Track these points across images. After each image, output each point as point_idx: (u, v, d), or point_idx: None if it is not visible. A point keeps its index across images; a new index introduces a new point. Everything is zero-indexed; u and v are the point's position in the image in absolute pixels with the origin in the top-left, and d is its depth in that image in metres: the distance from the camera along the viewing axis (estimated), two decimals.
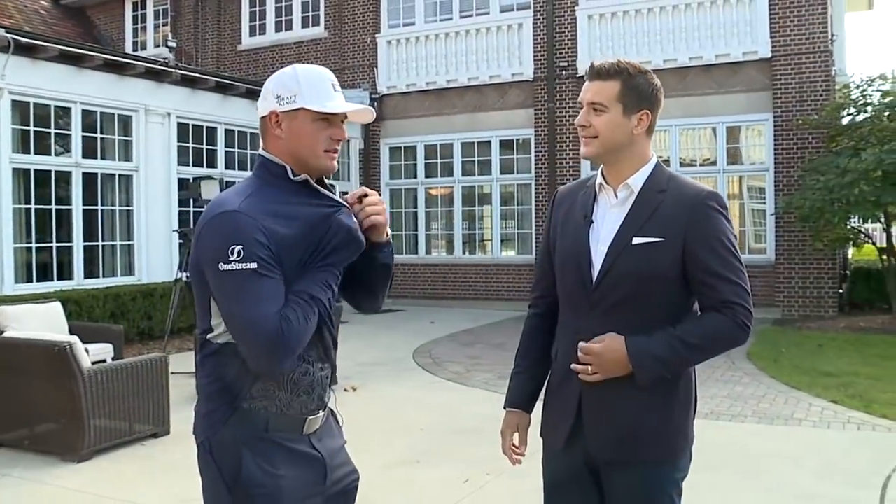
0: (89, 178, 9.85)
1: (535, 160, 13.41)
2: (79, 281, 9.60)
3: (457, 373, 7.77)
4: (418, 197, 14.58)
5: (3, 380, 5.11)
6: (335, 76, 1.92)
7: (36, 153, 9.28)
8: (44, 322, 6.16)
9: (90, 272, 9.87)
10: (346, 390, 6.72)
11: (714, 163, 12.36)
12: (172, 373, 5.77)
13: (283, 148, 1.84)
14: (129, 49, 17.00)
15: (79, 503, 4.20)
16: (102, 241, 10.12)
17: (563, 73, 13.16)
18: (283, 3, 15.72)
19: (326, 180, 1.92)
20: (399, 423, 5.83)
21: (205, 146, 11.44)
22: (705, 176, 12.06)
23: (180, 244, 10.15)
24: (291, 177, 1.83)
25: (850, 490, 4.24)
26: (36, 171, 9.26)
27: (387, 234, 1.96)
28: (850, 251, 14.35)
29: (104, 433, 4.95)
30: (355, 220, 1.87)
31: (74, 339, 4.94)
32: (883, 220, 10.83)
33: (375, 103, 14.12)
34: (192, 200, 9.98)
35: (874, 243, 11.87)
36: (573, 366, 1.99)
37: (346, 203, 1.88)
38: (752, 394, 6.58)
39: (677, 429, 1.99)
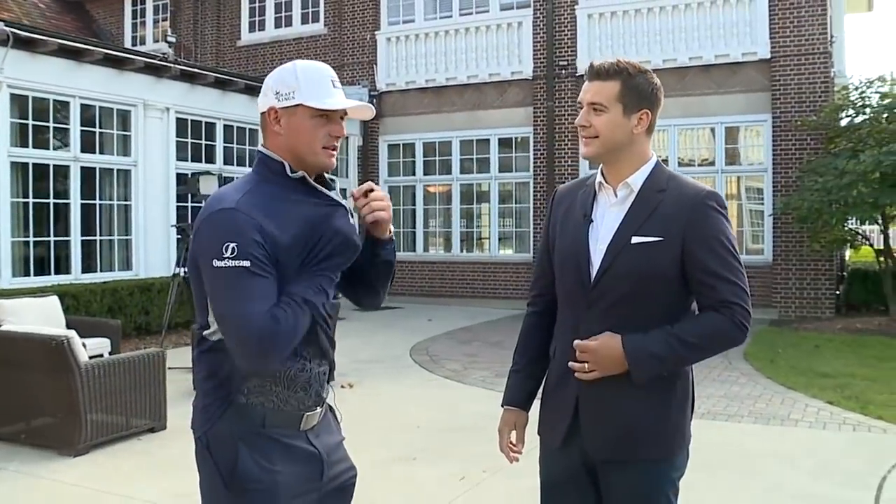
0: (87, 173, 9.83)
1: (534, 159, 13.41)
2: (76, 275, 9.59)
3: (454, 370, 7.77)
4: (416, 194, 14.57)
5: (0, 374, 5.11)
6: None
7: (34, 147, 9.27)
8: (41, 316, 6.16)
9: (88, 266, 9.86)
10: (342, 387, 6.71)
11: (712, 163, 12.37)
12: (169, 368, 5.77)
13: (281, 144, 1.83)
14: (128, 44, 16.99)
15: (75, 497, 4.21)
16: (100, 235, 10.11)
17: (563, 71, 13.16)
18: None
19: (327, 175, 1.90)
20: (396, 421, 5.83)
21: (203, 141, 11.42)
22: (703, 176, 12.05)
23: (178, 239, 10.16)
24: (289, 173, 1.82)
25: (846, 490, 4.26)
26: (34, 164, 9.24)
27: (390, 231, 1.95)
28: (848, 253, 14.36)
29: (101, 428, 4.96)
30: (353, 219, 1.86)
31: (72, 333, 4.94)
32: (880, 221, 10.87)
33: (374, 100, 14.12)
34: (190, 196, 9.96)
35: (871, 245, 11.90)
36: (570, 364, 1.99)
37: (343, 202, 1.86)
38: (748, 394, 6.59)
39: (675, 428, 1.99)
